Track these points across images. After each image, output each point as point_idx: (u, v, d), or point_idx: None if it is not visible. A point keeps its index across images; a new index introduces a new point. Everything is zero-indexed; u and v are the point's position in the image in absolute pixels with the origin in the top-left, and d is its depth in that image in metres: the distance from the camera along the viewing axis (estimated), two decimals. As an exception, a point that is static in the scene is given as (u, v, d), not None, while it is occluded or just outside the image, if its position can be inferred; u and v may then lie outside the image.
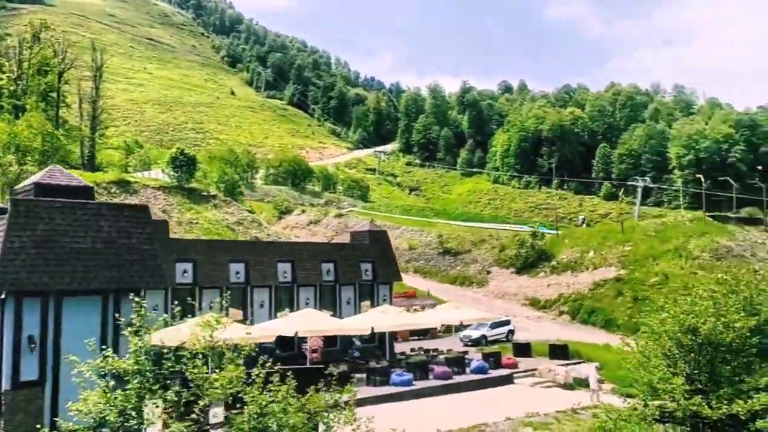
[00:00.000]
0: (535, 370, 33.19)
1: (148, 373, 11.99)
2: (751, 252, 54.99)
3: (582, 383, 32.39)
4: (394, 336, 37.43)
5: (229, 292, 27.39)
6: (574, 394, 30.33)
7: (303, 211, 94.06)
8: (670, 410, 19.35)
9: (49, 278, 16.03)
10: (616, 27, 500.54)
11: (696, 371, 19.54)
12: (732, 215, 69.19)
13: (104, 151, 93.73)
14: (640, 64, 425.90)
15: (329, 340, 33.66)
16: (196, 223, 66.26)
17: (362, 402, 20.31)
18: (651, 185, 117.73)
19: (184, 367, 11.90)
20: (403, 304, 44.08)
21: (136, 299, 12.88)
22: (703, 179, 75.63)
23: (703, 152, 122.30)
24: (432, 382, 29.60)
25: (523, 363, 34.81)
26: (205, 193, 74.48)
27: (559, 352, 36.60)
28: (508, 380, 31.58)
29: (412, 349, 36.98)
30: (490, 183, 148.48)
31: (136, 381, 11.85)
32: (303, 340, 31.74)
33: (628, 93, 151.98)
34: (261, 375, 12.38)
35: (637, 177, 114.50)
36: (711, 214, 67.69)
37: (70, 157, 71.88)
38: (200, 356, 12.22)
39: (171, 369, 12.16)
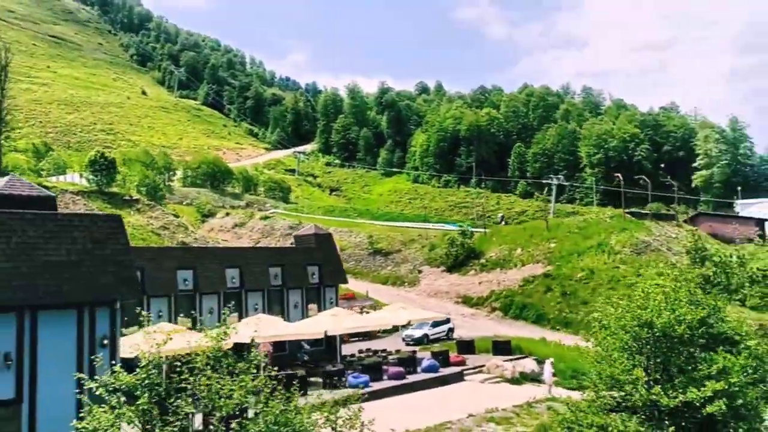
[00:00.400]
0: (482, 366, 34.14)
1: (158, 387, 11.86)
2: (666, 246, 58.27)
3: (527, 377, 33.65)
4: (343, 338, 37.63)
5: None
6: (522, 389, 31.44)
7: (227, 214, 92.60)
8: (630, 400, 20.52)
9: (24, 293, 15.42)
10: (522, 29, 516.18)
11: (651, 363, 20.78)
12: (645, 211, 72.96)
13: (10, 154, 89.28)
14: (547, 66, 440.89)
15: (278, 345, 33.52)
16: (119, 228, 63.88)
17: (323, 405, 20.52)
18: (564, 183, 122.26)
19: (197, 379, 11.85)
20: (343, 306, 44.23)
21: (144, 313, 12.68)
22: (621, 178, 79.28)
23: (612, 151, 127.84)
24: (387, 383, 30.00)
25: (469, 360, 35.75)
26: (127, 197, 72.29)
27: (501, 348, 37.74)
28: (458, 377, 32.37)
29: (360, 351, 37.30)
30: (410, 182, 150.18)
31: (145, 396, 11.70)
32: (251, 345, 31.47)
33: (540, 94, 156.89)
34: (270, 384, 12.51)
35: (551, 175, 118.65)
36: (629, 210, 71.15)
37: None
38: (209, 367, 12.20)
39: (180, 381, 12.07)
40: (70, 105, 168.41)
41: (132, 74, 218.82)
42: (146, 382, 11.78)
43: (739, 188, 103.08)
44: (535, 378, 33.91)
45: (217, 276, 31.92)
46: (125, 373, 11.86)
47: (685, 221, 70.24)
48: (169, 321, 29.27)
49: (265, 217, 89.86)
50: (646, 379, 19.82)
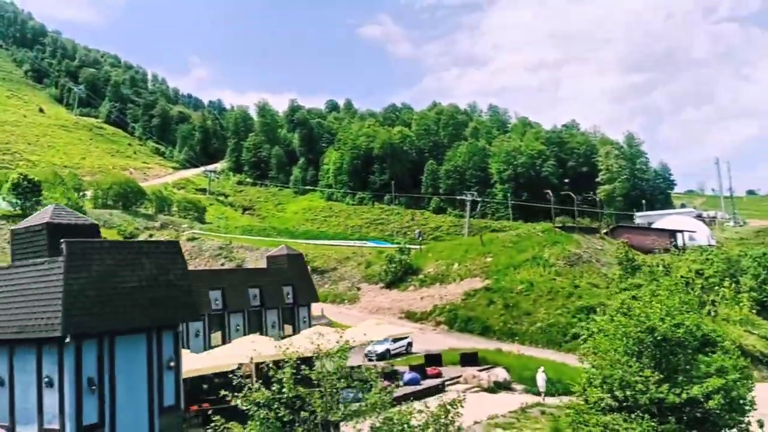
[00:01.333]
0: (459, 377, 35.61)
1: (295, 401, 12.65)
2: (595, 258, 62.03)
3: (501, 386, 35.39)
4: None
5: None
6: (500, 397, 33.17)
7: (151, 236, 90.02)
8: (635, 399, 22.48)
9: (105, 319, 15.58)
10: (424, 48, 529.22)
11: (653, 364, 22.84)
12: (569, 224, 77.22)
13: None
14: (450, 83, 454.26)
15: (256, 365, 33.68)
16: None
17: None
18: (477, 199, 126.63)
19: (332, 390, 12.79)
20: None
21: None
22: (551, 193, 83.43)
23: (520, 167, 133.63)
24: (376, 397, 30.81)
25: (443, 372, 37.09)
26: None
27: (469, 359, 39.33)
28: (440, 389, 33.61)
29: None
30: (324, 200, 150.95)
31: (286, 410, 12.44)
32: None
33: (449, 112, 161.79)
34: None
35: (464, 191, 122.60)
36: (558, 225, 74.99)
37: None
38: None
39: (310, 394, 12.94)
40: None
41: (27, 91, 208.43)
42: (284, 397, 12.50)
43: (643, 201, 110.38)
44: (506, 386, 35.74)
45: (203, 299, 31.82)
46: (264, 391, 12.52)
47: (606, 233, 74.87)
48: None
49: (192, 238, 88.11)
50: (657, 377, 21.88)
